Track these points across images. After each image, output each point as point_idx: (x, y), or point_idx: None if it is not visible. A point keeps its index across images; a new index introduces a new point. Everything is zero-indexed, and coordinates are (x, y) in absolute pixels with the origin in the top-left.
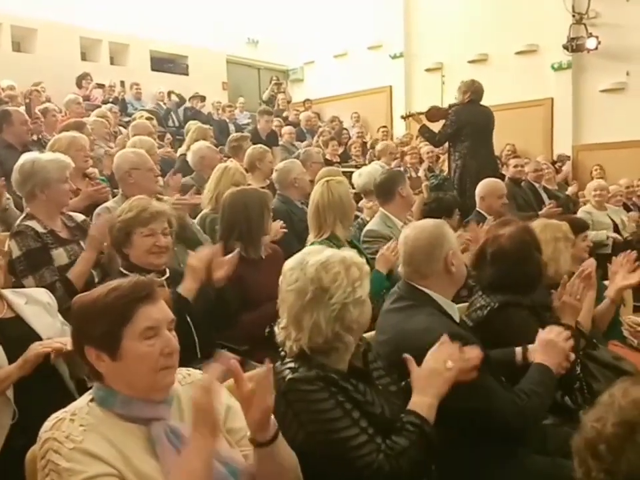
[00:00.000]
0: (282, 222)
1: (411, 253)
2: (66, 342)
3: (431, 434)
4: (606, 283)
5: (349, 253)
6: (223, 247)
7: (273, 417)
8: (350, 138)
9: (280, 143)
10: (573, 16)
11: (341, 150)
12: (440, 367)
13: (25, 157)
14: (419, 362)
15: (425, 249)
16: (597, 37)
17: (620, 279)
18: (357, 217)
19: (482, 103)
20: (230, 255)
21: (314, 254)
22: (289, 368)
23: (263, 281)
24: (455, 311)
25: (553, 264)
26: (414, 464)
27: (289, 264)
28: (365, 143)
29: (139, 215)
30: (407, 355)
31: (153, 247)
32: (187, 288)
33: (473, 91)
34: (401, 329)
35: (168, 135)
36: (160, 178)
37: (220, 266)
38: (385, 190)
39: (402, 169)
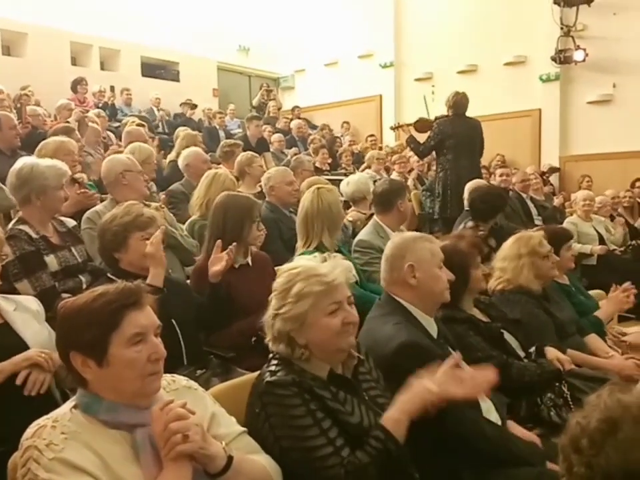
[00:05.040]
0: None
1: (382, 261)
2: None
3: (395, 449)
4: (591, 292)
5: (322, 269)
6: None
7: (223, 449)
8: (342, 146)
9: (271, 150)
10: (561, 28)
11: (331, 159)
12: (422, 387)
13: (24, 162)
14: (382, 369)
15: (388, 259)
16: (584, 49)
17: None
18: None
19: (470, 114)
20: (227, 250)
21: (303, 260)
22: (269, 371)
23: (249, 288)
24: (431, 323)
25: (513, 280)
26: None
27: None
28: (354, 152)
29: (137, 219)
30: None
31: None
32: (153, 275)
33: (452, 105)
34: (370, 337)
35: (156, 142)
36: (152, 182)
37: (217, 261)
38: (384, 200)
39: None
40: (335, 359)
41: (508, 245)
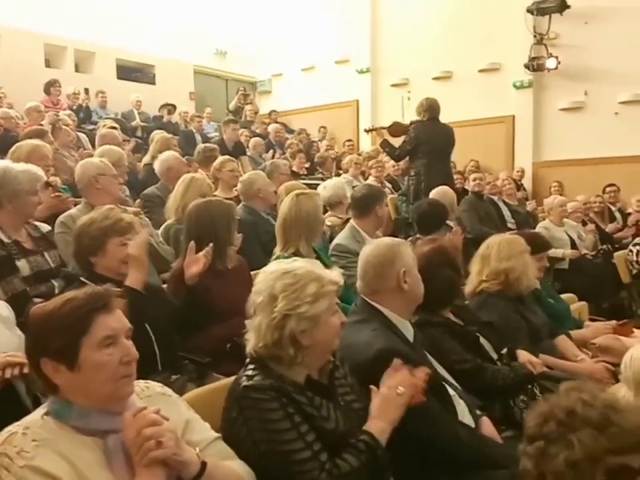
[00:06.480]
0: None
1: (364, 269)
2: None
3: (382, 457)
4: (563, 296)
5: (324, 271)
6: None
7: (197, 455)
8: (319, 151)
9: (248, 154)
10: (534, 36)
11: (308, 163)
12: (392, 393)
13: None
14: (359, 376)
15: (376, 267)
16: (556, 57)
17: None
18: None
19: (445, 120)
20: (203, 251)
21: (289, 263)
22: (246, 375)
23: (228, 291)
24: (408, 328)
25: (525, 278)
26: None
27: (268, 267)
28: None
29: (117, 223)
30: (372, 387)
31: (127, 257)
32: (133, 278)
33: (427, 108)
34: (346, 343)
35: (132, 144)
36: (125, 187)
37: (194, 262)
38: (362, 205)
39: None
40: (319, 362)
41: (504, 246)
